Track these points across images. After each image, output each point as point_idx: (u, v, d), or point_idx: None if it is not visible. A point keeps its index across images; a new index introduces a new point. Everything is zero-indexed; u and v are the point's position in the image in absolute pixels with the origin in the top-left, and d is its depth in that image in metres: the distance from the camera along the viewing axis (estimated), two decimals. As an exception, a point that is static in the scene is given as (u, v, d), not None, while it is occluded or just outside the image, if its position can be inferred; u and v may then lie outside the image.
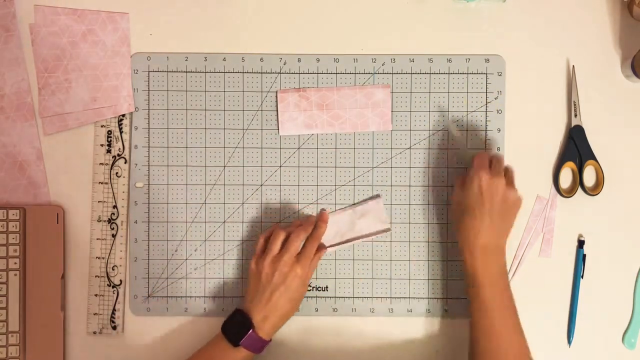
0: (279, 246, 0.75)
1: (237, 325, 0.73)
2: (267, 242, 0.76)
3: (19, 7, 0.81)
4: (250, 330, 0.72)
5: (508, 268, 0.82)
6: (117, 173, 0.81)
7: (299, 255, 0.75)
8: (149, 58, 0.82)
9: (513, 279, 0.82)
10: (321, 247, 0.79)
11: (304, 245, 0.77)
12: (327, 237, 0.80)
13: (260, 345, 0.74)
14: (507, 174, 0.75)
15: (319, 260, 0.79)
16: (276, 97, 0.81)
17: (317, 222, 0.79)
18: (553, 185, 0.82)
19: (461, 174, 0.79)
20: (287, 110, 0.81)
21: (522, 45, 0.82)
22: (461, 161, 0.81)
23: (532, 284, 0.82)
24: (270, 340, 0.75)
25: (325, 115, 0.81)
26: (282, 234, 0.76)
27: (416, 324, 0.82)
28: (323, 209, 0.81)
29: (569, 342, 0.82)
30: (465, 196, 0.74)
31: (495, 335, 0.71)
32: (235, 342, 0.72)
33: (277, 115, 0.81)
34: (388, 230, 0.81)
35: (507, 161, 0.82)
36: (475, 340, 0.72)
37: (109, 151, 0.81)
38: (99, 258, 0.81)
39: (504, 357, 0.71)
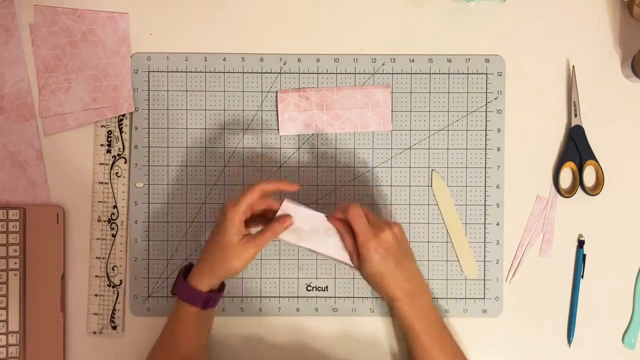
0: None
1: (179, 276, 0.73)
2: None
3: (19, 7, 0.81)
4: (179, 277, 0.71)
5: (508, 268, 0.82)
6: (117, 173, 0.81)
7: (236, 199, 0.70)
8: (149, 58, 0.82)
9: (513, 279, 0.82)
10: (284, 220, 0.71)
11: (246, 193, 0.70)
12: (302, 232, 0.73)
13: (188, 293, 0.70)
14: (368, 218, 0.71)
15: (276, 230, 0.70)
16: (276, 97, 0.81)
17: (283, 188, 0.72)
18: (553, 185, 0.82)
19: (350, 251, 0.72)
20: (287, 110, 0.81)
21: (522, 45, 0.82)
22: None
23: (532, 284, 0.82)
24: (214, 294, 0.71)
25: (325, 115, 0.81)
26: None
27: (416, 324, 0.82)
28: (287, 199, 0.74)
29: (569, 342, 0.82)
30: (371, 270, 0.70)
31: None
32: (172, 292, 0.72)
33: (277, 115, 0.81)
34: (350, 266, 0.73)
35: (508, 161, 0.82)
36: None
37: (109, 151, 0.81)
38: (99, 258, 0.81)
39: None
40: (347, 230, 0.71)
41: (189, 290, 0.70)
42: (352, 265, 0.72)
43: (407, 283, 0.72)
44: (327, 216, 0.72)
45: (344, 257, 0.72)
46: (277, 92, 0.81)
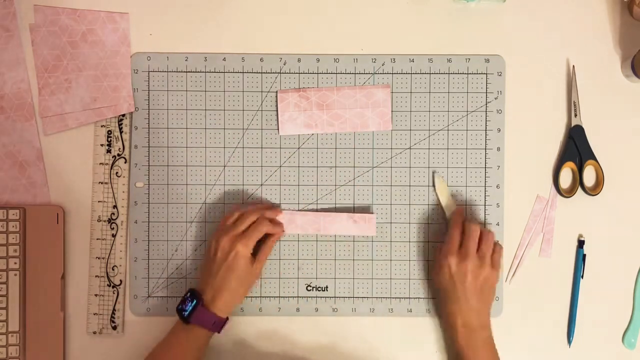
0: (230, 223, 0.76)
1: (187, 303, 0.73)
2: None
3: (19, 7, 0.81)
4: (199, 305, 0.72)
5: (508, 268, 0.82)
6: (117, 173, 0.81)
7: (244, 233, 0.75)
8: (149, 58, 0.82)
9: (513, 279, 0.82)
10: (276, 231, 0.78)
11: (253, 227, 0.76)
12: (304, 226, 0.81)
13: (212, 320, 0.73)
14: (484, 247, 0.76)
15: (272, 244, 0.78)
16: (276, 97, 0.81)
17: (274, 215, 0.79)
18: (553, 185, 0.82)
19: (438, 254, 0.79)
20: (287, 110, 0.81)
21: (522, 45, 0.82)
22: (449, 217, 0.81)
23: (532, 284, 0.82)
24: (227, 318, 0.75)
25: (325, 115, 0.81)
26: (236, 213, 0.76)
27: (416, 324, 0.82)
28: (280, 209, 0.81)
29: (569, 342, 0.82)
30: (438, 282, 0.77)
31: None
32: (186, 319, 0.73)
33: (277, 115, 0.81)
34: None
35: (508, 161, 0.82)
36: None
37: (109, 151, 0.81)
38: (99, 258, 0.81)
39: None
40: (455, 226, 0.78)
41: (213, 318, 0.73)
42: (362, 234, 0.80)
43: (466, 315, 0.75)
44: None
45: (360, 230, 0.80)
46: (277, 92, 0.81)
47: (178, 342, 0.73)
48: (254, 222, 0.76)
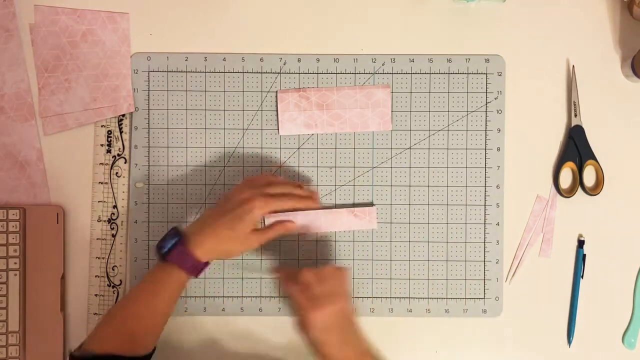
0: (261, 182, 0.74)
1: (168, 240, 0.70)
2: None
3: (19, 7, 0.81)
4: (180, 244, 0.69)
5: (508, 268, 0.82)
6: (117, 173, 0.81)
7: (270, 195, 0.72)
8: (149, 58, 0.82)
9: (513, 279, 0.82)
10: (305, 205, 0.76)
11: (281, 195, 0.73)
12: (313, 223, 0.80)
13: (191, 262, 0.69)
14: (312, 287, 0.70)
15: (281, 230, 0.74)
16: (276, 97, 0.81)
17: (309, 201, 0.76)
18: (553, 185, 0.82)
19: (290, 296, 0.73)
20: (287, 110, 0.81)
21: (522, 45, 0.82)
22: None
23: (532, 284, 0.82)
24: (207, 263, 0.71)
25: (325, 115, 0.81)
26: (268, 177, 0.76)
27: (416, 324, 0.82)
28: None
29: (569, 342, 0.82)
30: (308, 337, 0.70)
31: None
32: (164, 256, 0.70)
33: (277, 115, 0.81)
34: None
35: (508, 161, 0.82)
36: None
37: (109, 151, 0.81)
38: (99, 258, 0.81)
39: None
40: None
41: (190, 259, 0.69)
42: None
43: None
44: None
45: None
46: (277, 92, 0.81)
47: (153, 280, 0.70)
48: (283, 194, 0.74)
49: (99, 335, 0.69)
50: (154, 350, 0.72)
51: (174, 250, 0.70)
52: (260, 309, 0.81)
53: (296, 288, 0.70)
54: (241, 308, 0.81)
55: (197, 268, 0.71)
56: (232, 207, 0.71)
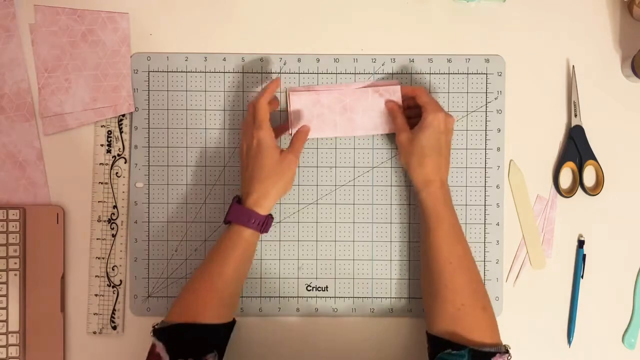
0: (249, 116, 0.76)
1: (229, 208, 0.74)
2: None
3: (19, 7, 0.81)
4: (234, 202, 0.73)
5: (508, 268, 0.82)
6: (117, 173, 0.81)
7: (263, 119, 0.74)
8: (149, 58, 0.82)
9: (513, 279, 0.82)
10: (304, 129, 0.78)
11: (258, 111, 0.74)
12: (330, 107, 0.79)
13: (247, 216, 0.72)
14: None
15: (304, 134, 0.77)
16: (287, 96, 0.81)
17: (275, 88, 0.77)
18: (553, 185, 0.82)
19: (396, 116, 0.78)
20: (299, 112, 0.79)
21: (522, 45, 0.82)
22: None
23: (532, 284, 0.82)
24: (270, 216, 0.75)
25: (338, 119, 0.80)
26: (249, 108, 0.76)
27: (416, 324, 0.82)
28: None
29: (569, 342, 0.82)
30: (425, 137, 0.74)
31: (450, 263, 0.71)
32: (225, 219, 0.74)
33: (288, 113, 0.79)
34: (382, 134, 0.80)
35: (507, 161, 0.82)
36: (429, 268, 0.72)
37: (109, 151, 0.81)
38: (99, 258, 0.81)
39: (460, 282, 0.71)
40: (397, 108, 0.78)
41: (249, 213, 0.72)
42: (387, 132, 0.80)
43: (444, 169, 0.74)
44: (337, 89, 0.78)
45: (380, 128, 0.80)
46: (286, 90, 0.81)
47: (221, 246, 0.73)
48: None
49: (178, 307, 0.71)
50: (234, 321, 0.75)
51: (231, 211, 0.73)
52: (260, 309, 0.81)
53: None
54: (241, 308, 0.81)
55: (257, 221, 0.72)
56: (248, 153, 0.74)
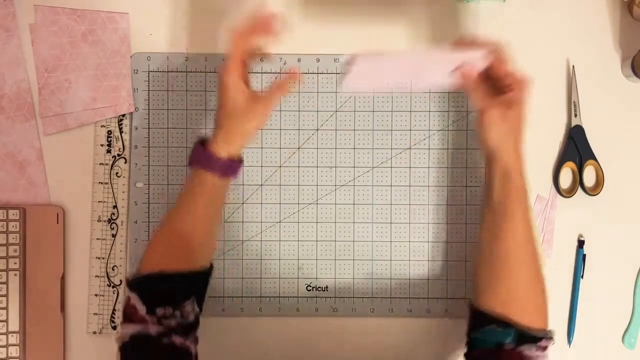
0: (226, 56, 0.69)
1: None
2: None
3: (19, 7, 0.81)
4: (198, 146, 0.69)
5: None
6: (117, 173, 0.81)
7: (232, 54, 0.68)
8: (149, 58, 0.82)
9: (513, 279, 0.82)
10: (291, 75, 0.71)
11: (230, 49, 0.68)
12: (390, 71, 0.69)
13: (206, 159, 0.68)
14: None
15: (285, 84, 0.70)
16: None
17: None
18: (553, 185, 0.82)
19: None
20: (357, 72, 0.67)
21: (522, 45, 0.82)
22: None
23: (532, 284, 0.82)
24: (235, 161, 0.69)
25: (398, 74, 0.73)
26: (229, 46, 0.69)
27: (416, 324, 0.82)
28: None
29: (569, 342, 0.82)
30: (520, 114, 0.69)
31: (518, 236, 0.68)
32: (189, 164, 0.70)
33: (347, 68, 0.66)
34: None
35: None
36: (497, 239, 0.68)
37: (109, 151, 0.81)
38: (99, 258, 0.81)
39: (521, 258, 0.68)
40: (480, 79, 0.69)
41: (207, 156, 0.68)
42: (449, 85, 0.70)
43: (522, 145, 0.70)
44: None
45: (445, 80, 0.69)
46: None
47: (186, 191, 0.70)
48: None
49: (148, 258, 0.68)
50: (211, 266, 0.72)
51: (194, 154, 0.69)
52: (260, 309, 0.81)
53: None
54: (241, 308, 0.81)
55: (216, 164, 0.68)
56: (218, 94, 0.69)
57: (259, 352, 0.81)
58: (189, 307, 0.66)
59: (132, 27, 0.82)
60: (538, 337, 0.65)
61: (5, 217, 0.79)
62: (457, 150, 0.82)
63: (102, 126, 0.81)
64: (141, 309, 0.64)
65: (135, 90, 0.81)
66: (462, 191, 0.82)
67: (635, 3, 0.80)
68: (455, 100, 0.82)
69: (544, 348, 0.65)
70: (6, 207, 0.79)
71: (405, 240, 0.82)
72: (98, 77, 0.81)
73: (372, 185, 0.82)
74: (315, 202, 0.82)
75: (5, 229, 0.79)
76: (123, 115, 0.81)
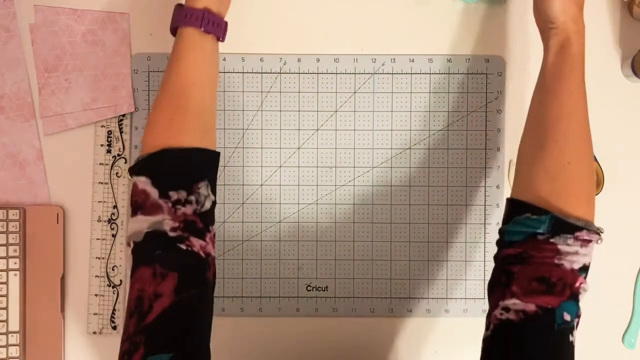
0: None
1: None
2: None
3: (19, 7, 0.81)
4: (175, 7, 0.65)
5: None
6: (117, 173, 0.81)
7: None
8: (149, 58, 0.82)
9: (513, 279, 0.82)
10: None
11: None
12: None
13: (182, 14, 0.65)
14: None
15: None
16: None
17: None
18: (553, 185, 0.82)
19: None
20: None
21: (522, 45, 0.82)
22: None
23: (532, 284, 0.82)
24: (216, 15, 0.66)
25: None
26: None
27: (416, 324, 0.82)
28: None
29: (569, 342, 0.81)
30: None
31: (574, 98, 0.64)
32: (171, 29, 0.66)
33: None
34: None
35: (507, 161, 0.82)
36: (551, 103, 0.64)
37: (109, 151, 0.81)
38: (99, 258, 0.81)
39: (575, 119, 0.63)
40: None
41: (184, 12, 0.64)
42: None
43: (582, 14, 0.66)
44: None
45: None
46: None
47: (172, 53, 0.65)
48: None
49: (148, 136, 0.62)
50: (218, 153, 0.65)
51: (172, 18, 0.66)
52: (260, 309, 0.81)
53: None
54: (241, 308, 0.81)
55: (194, 16, 0.64)
56: None
57: (259, 352, 0.81)
58: (204, 189, 0.60)
59: (132, 27, 0.82)
60: (578, 226, 0.56)
61: (5, 217, 0.79)
62: (457, 150, 0.82)
63: (102, 126, 0.81)
64: (153, 192, 0.57)
65: (135, 90, 0.81)
66: (462, 191, 0.82)
67: (635, 3, 0.80)
68: (456, 100, 0.82)
69: (585, 242, 0.57)
70: (6, 207, 0.79)
71: (405, 240, 0.82)
72: (98, 77, 0.81)
73: (372, 185, 0.82)
74: (315, 202, 0.82)
75: (5, 229, 0.79)
76: (123, 115, 0.81)
